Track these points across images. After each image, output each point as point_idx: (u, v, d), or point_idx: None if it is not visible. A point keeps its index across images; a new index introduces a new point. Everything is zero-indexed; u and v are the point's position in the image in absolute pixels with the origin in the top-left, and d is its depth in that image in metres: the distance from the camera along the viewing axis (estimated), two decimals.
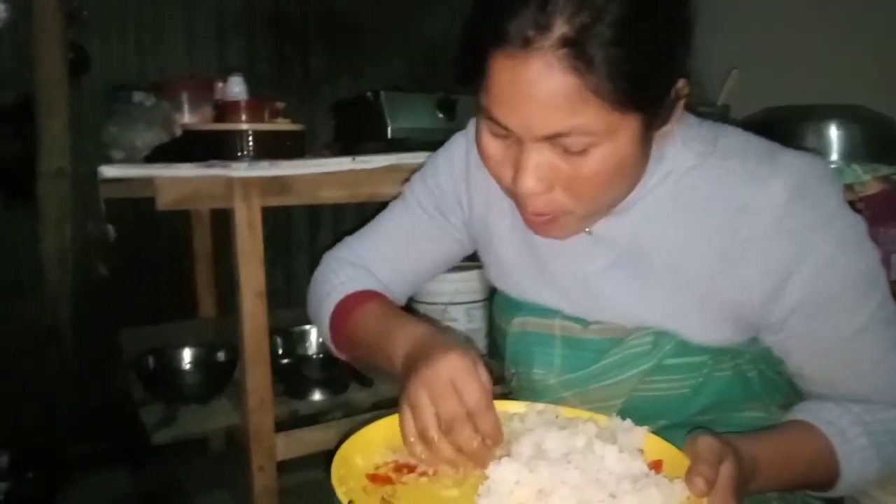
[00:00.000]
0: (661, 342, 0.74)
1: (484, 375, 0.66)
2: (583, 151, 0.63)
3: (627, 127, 0.63)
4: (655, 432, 0.67)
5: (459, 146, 0.91)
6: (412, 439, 0.64)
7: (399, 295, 0.96)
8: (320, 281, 0.94)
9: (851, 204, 0.79)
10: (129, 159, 1.45)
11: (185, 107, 1.66)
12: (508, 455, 0.63)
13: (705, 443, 0.59)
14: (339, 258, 0.96)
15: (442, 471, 0.65)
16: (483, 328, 1.77)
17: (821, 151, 1.24)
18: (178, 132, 1.53)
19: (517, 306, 0.85)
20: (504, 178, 0.70)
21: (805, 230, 0.68)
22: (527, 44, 0.60)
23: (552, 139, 0.63)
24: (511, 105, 0.63)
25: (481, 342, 1.77)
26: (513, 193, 0.70)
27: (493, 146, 0.69)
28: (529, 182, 0.65)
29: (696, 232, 0.72)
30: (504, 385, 0.92)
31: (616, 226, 0.76)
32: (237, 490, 1.47)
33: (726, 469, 0.58)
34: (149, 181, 1.20)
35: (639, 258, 0.76)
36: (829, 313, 0.71)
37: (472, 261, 1.03)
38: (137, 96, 1.61)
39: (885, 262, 1.20)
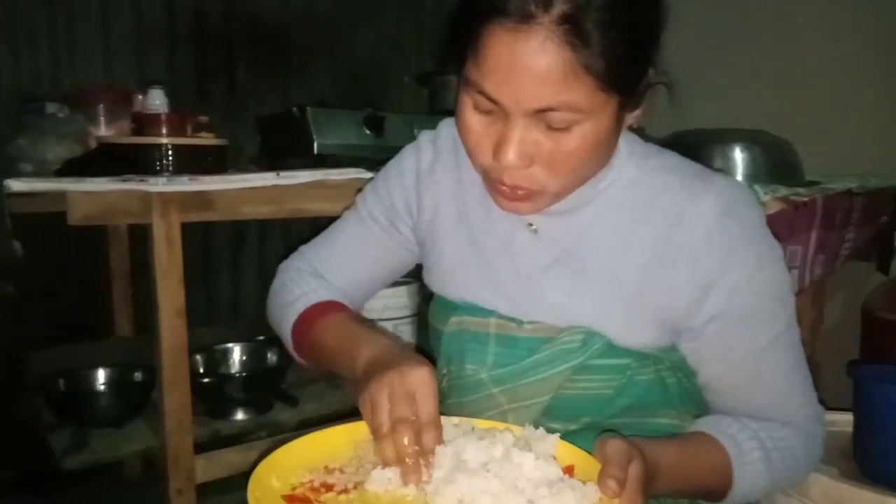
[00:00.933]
0: (591, 341, 0.78)
1: (437, 397, 0.68)
2: (566, 128, 0.66)
3: (608, 107, 0.67)
4: (566, 437, 0.69)
5: (410, 157, 0.94)
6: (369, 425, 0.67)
7: (356, 302, 0.98)
8: (280, 290, 0.96)
9: None
10: (38, 173, 1.38)
11: (102, 119, 1.60)
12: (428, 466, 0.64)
13: (614, 446, 0.62)
14: (297, 268, 0.98)
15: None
16: (412, 344, 1.78)
17: (726, 172, 1.31)
18: (93, 146, 1.48)
19: (454, 307, 0.87)
20: (483, 153, 0.71)
21: (731, 244, 0.74)
22: (527, 18, 0.62)
23: (540, 114, 0.66)
24: (506, 78, 0.65)
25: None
26: (489, 169, 0.72)
27: (476, 121, 0.71)
28: (512, 155, 0.68)
29: (634, 238, 0.77)
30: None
31: (562, 227, 0.80)
32: None
33: (634, 470, 0.61)
34: (60, 196, 1.16)
35: (579, 259, 0.80)
36: (741, 327, 0.76)
37: (402, 276, 1.04)
38: (50, 107, 1.54)
39: None
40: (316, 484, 0.66)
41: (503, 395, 0.82)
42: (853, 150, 1.62)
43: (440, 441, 0.67)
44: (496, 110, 0.68)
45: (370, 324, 0.85)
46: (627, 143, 0.80)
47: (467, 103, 0.71)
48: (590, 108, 0.66)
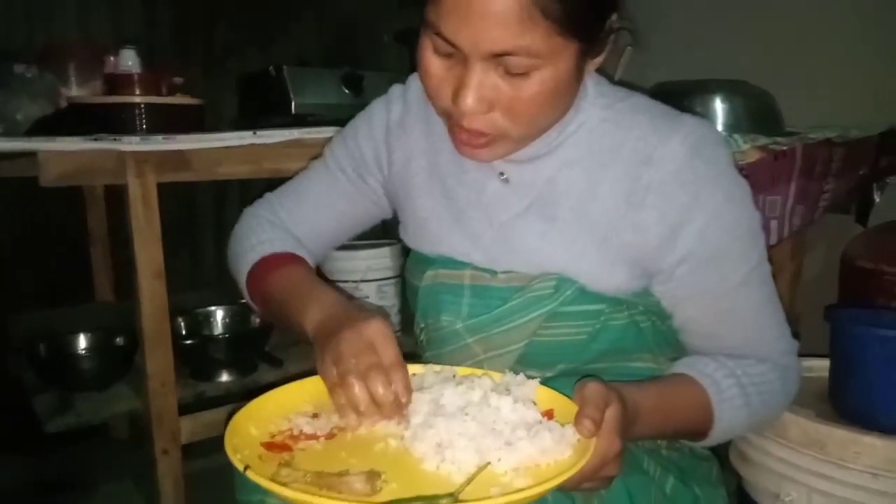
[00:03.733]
0: (563, 287, 0.78)
1: (396, 342, 0.69)
2: (524, 74, 0.66)
3: (567, 53, 0.67)
4: (546, 382, 0.70)
5: (379, 109, 0.93)
6: (335, 388, 0.67)
7: (316, 253, 0.98)
8: (239, 237, 0.96)
9: None
10: (8, 133, 1.35)
11: (73, 79, 1.56)
12: (407, 414, 0.66)
13: (592, 388, 0.63)
14: (258, 216, 0.98)
15: (352, 425, 0.66)
16: (396, 304, 1.77)
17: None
18: (64, 105, 1.44)
19: (429, 261, 0.88)
20: (443, 97, 0.71)
21: (699, 183, 0.74)
22: None
23: (497, 58, 0.65)
24: (462, 20, 0.64)
25: (394, 318, 1.77)
26: (450, 113, 0.72)
27: (436, 64, 0.70)
28: (470, 99, 0.67)
29: (603, 178, 0.77)
30: (414, 352, 0.95)
31: (532, 172, 0.80)
32: (142, 479, 1.42)
33: (612, 411, 0.62)
34: (33, 159, 1.13)
35: (550, 203, 0.80)
36: (713, 265, 0.77)
37: (385, 237, 1.04)
38: (18, 67, 1.50)
39: (766, 228, 1.28)
40: (294, 432, 0.66)
41: (478, 345, 0.82)
42: (835, 102, 1.61)
43: (409, 383, 0.67)
44: (455, 54, 0.68)
45: (322, 281, 0.85)
46: (595, 84, 0.80)
47: (427, 46, 0.70)
48: (548, 53, 0.66)
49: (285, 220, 0.97)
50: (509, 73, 0.67)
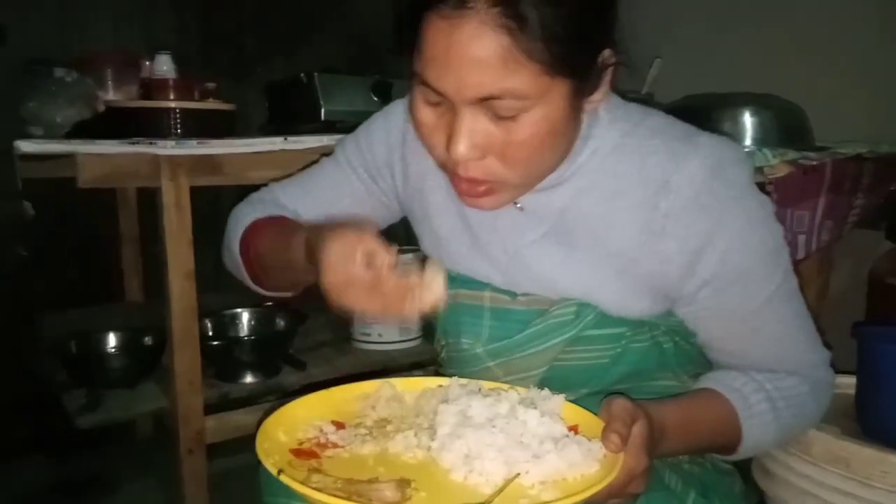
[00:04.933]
0: (584, 313, 0.77)
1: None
2: (514, 117, 0.64)
3: (558, 92, 0.65)
4: (572, 400, 0.70)
5: (398, 113, 0.91)
6: (340, 289, 0.64)
7: None
8: (232, 220, 0.95)
9: (761, 186, 0.85)
10: (48, 136, 1.39)
11: (110, 84, 1.60)
12: (434, 425, 0.66)
13: (619, 405, 0.63)
14: (259, 199, 0.97)
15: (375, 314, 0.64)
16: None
17: (735, 136, 1.30)
18: (102, 109, 1.48)
19: (450, 279, 0.86)
20: (437, 146, 0.70)
21: (719, 206, 0.72)
22: (462, 3, 0.61)
23: (484, 102, 0.64)
24: (444, 67, 0.63)
25: (415, 325, 1.78)
26: (445, 162, 0.71)
27: (427, 114, 0.69)
28: (462, 147, 0.66)
29: (621, 207, 0.75)
30: (435, 358, 0.95)
31: (546, 201, 0.78)
32: (165, 477, 1.44)
33: (639, 428, 0.62)
34: (70, 158, 1.16)
35: (566, 232, 0.78)
36: (737, 287, 0.75)
37: (410, 244, 1.04)
38: (58, 71, 1.54)
39: (793, 243, 1.27)
40: (322, 440, 0.67)
41: (499, 369, 0.82)
42: (864, 117, 1.60)
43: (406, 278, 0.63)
44: (443, 101, 0.67)
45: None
46: (608, 109, 0.77)
47: (418, 96, 0.70)
48: (537, 94, 0.64)
49: (286, 204, 0.95)
50: (499, 117, 0.65)
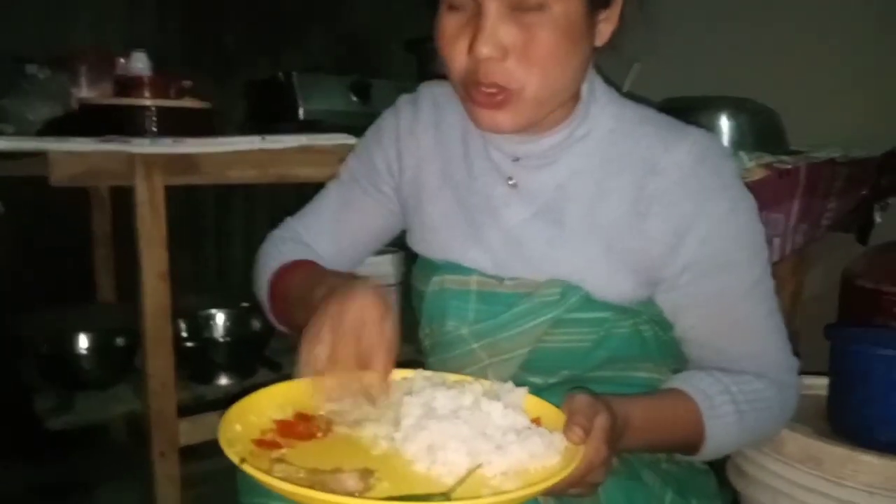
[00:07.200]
0: (569, 294, 0.79)
1: (388, 318, 0.67)
2: (537, 9, 0.68)
3: None
4: (548, 390, 0.70)
5: (388, 118, 0.95)
6: (305, 368, 0.65)
7: (341, 269, 0.97)
8: (261, 261, 0.96)
9: None
10: (20, 134, 1.37)
11: (84, 81, 1.57)
12: (398, 416, 0.65)
13: (581, 399, 0.63)
14: (279, 237, 0.98)
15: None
16: (395, 312, 1.78)
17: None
18: (75, 107, 1.46)
19: (436, 267, 0.88)
20: (459, 55, 0.73)
21: (704, 192, 0.76)
22: None
23: None
24: None
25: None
26: (466, 73, 0.73)
27: (450, 22, 0.73)
28: (486, 45, 0.69)
29: (612, 187, 0.79)
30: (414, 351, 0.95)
31: (540, 179, 0.82)
32: (139, 481, 1.42)
33: (600, 420, 0.62)
34: (42, 159, 1.14)
35: (558, 210, 0.81)
36: (716, 274, 0.78)
37: (387, 246, 1.04)
38: (30, 68, 1.51)
39: (768, 245, 1.29)
40: (285, 430, 0.66)
41: (483, 350, 0.83)
42: (838, 122, 1.62)
43: (390, 362, 0.66)
44: (469, 5, 0.70)
45: (331, 270, 0.84)
46: (605, 92, 0.82)
47: (443, 8, 0.73)
48: None
49: (303, 235, 0.97)
50: (522, 9, 0.69)
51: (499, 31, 0.69)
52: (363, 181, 0.96)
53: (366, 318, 0.65)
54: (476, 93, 0.73)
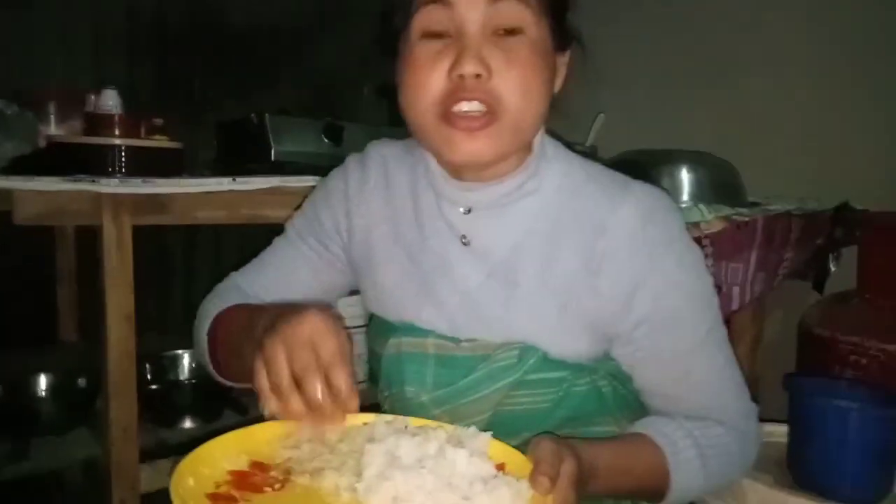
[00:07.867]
0: (526, 355, 0.79)
1: (342, 334, 0.66)
2: (515, 32, 0.73)
3: (545, 26, 0.76)
4: (500, 439, 0.70)
5: (337, 178, 0.94)
6: (266, 394, 0.64)
7: None
8: (200, 316, 0.92)
9: (697, 240, 0.89)
10: None
11: (52, 118, 1.56)
12: (360, 465, 0.63)
13: (546, 446, 0.63)
14: (224, 289, 0.95)
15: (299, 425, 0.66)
16: (365, 353, 1.76)
17: (672, 192, 1.36)
18: (43, 145, 1.44)
19: (392, 328, 0.87)
20: (437, 79, 0.74)
21: (652, 248, 0.77)
22: None
23: (494, 3, 0.73)
24: None
25: (363, 368, 1.76)
26: (445, 94, 0.74)
27: (426, 48, 0.75)
28: (472, 63, 0.72)
29: (562, 246, 0.80)
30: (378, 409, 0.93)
31: (493, 236, 0.82)
32: None
33: (567, 466, 0.62)
34: (6, 195, 1.13)
35: (512, 270, 0.82)
36: (669, 328, 0.79)
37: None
38: None
39: (728, 294, 1.33)
40: (241, 483, 0.63)
41: (445, 416, 0.82)
42: (792, 176, 1.69)
43: (350, 379, 0.65)
44: (447, 32, 0.73)
45: (278, 303, 0.82)
46: (553, 149, 0.84)
47: (414, 43, 0.76)
48: (531, 15, 0.74)
49: (246, 288, 0.94)
50: (500, 34, 0.73)
51: (482, 50, 0.72)
52: (310, 239, 0.95)
53: (320, 332, 0.64)
54: (455, 117, 0.74)
